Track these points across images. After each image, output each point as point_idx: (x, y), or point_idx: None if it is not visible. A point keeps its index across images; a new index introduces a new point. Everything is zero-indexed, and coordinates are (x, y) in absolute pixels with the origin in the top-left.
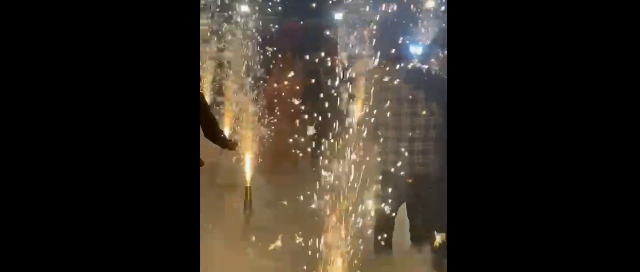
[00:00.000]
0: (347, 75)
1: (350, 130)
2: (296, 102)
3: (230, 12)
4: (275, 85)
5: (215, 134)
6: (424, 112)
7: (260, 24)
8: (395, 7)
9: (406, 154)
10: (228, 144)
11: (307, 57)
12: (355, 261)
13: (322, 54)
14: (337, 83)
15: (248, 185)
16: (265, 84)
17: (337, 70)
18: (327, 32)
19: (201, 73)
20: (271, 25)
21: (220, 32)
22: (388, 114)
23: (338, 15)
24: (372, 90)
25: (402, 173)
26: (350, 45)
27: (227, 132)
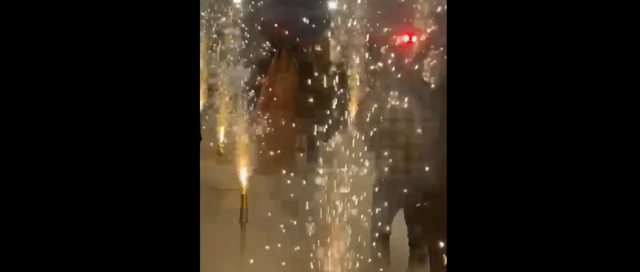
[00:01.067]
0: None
1: (346, 132)
2: (292, 100)
3: (225, 8)
4: (271, 84)
5: None
6: (419, 118)
7: (255, 19)
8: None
9: (403, 160)
10: None
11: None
12: (354, 268)
13: (318, 49)
14: (331, 81)
15: (244, 193)
16: (258, 84)
17: (331, 68)
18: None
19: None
20: (264, 18)
21: (213, 29)
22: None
23: (332, 5)
24: (367, 95)
25: (399, 179)
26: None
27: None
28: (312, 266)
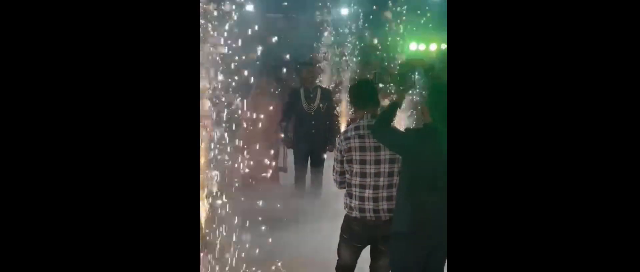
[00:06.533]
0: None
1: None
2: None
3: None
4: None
5: None
6: (391, 158)
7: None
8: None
9: (372, 198)
10: None
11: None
12: None
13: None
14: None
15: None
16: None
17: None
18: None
19: None
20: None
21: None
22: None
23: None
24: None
25: (368, 218)
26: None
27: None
28: None
